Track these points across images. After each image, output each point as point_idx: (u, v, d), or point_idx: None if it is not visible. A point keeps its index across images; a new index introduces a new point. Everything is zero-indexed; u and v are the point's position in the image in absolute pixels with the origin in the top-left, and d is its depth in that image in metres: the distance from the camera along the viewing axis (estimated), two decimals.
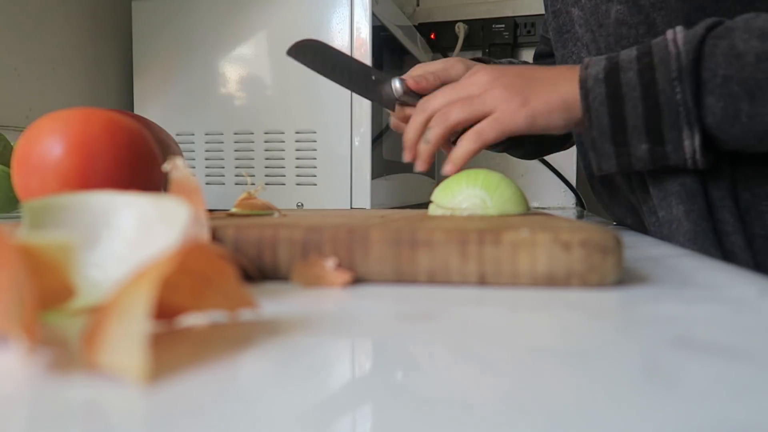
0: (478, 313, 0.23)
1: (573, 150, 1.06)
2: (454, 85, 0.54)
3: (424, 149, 0.53)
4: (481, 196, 0.41)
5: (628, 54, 0.48)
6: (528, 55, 1.35)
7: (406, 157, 0.54)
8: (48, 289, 0.18)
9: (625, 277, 0.29)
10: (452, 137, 0.57)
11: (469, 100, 0.51)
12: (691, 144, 0.45)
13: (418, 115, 0.53)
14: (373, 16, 0.80)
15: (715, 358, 0.17)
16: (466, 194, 0.41)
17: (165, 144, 0.52)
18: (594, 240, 0.26)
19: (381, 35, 0.85)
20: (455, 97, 0.52)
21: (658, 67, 0.45)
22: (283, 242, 0.29)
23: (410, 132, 0.53)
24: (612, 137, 0.47)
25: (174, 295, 0.19)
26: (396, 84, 0.57)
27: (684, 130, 0.45)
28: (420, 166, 0.53)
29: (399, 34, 0.96)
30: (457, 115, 0.50)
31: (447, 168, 0.51)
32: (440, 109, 0.52)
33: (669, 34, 0.46)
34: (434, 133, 0.51)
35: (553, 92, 0.49)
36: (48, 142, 0.35)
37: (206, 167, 0.86)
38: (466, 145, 0.50)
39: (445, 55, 1.35)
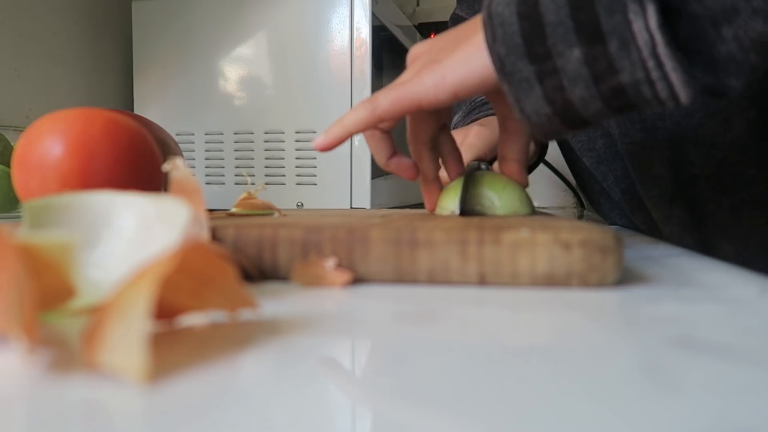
0: (478, 313, 0.23)
1: None
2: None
3: (332, 129, 0.40)
4: (488, 197, 0.40)
5: None
6: None
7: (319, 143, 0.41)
8: (48, 289, 0.18)
9: (625, 277, 0.29)
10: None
11: (394, 85, 0.39)
12: (644, 27, 0.29)
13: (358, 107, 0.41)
14: (373, 16, 0.80)
15: (715, 358, 0.17)
16: (472, 195, 0.41)
17: (165, 144, 0.52)
18: (594, 240, 0.26)
19: (381, 35, 0.85)
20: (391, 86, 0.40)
21: None
22: (283, 242, 0.29)
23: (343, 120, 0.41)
24: (527, 48, 0.32)
25: (174, 295, 0.19)
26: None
27: (629, 5, 0.29)
28: (320, 143, 0.40)
29: (399, 34, 0.96)
30: (383, 101, 0.38)
31: (317, 140, 0.40)
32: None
33: None
34: (351, 115, 0.40)
35: (463, 42, 0.37)
36: (48, 142, 0.35)
37: (206, 167, 0.86)
38: (354, 112, 0.39)
39: None
